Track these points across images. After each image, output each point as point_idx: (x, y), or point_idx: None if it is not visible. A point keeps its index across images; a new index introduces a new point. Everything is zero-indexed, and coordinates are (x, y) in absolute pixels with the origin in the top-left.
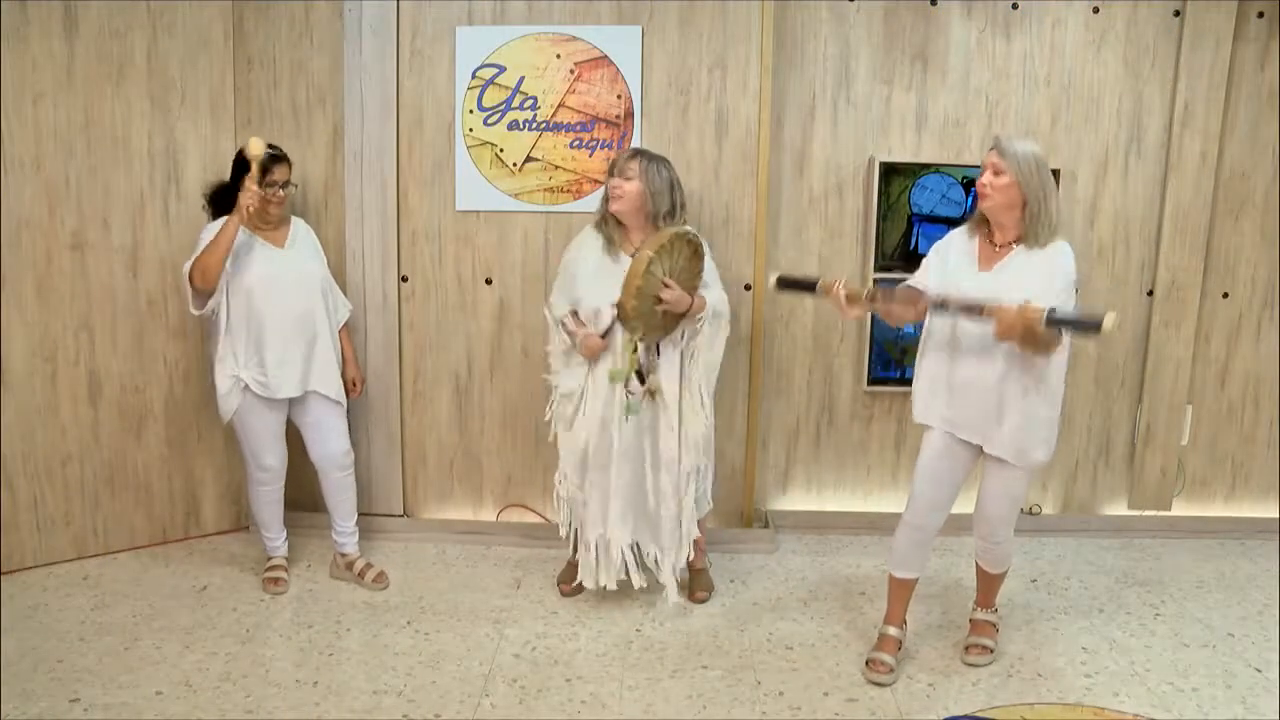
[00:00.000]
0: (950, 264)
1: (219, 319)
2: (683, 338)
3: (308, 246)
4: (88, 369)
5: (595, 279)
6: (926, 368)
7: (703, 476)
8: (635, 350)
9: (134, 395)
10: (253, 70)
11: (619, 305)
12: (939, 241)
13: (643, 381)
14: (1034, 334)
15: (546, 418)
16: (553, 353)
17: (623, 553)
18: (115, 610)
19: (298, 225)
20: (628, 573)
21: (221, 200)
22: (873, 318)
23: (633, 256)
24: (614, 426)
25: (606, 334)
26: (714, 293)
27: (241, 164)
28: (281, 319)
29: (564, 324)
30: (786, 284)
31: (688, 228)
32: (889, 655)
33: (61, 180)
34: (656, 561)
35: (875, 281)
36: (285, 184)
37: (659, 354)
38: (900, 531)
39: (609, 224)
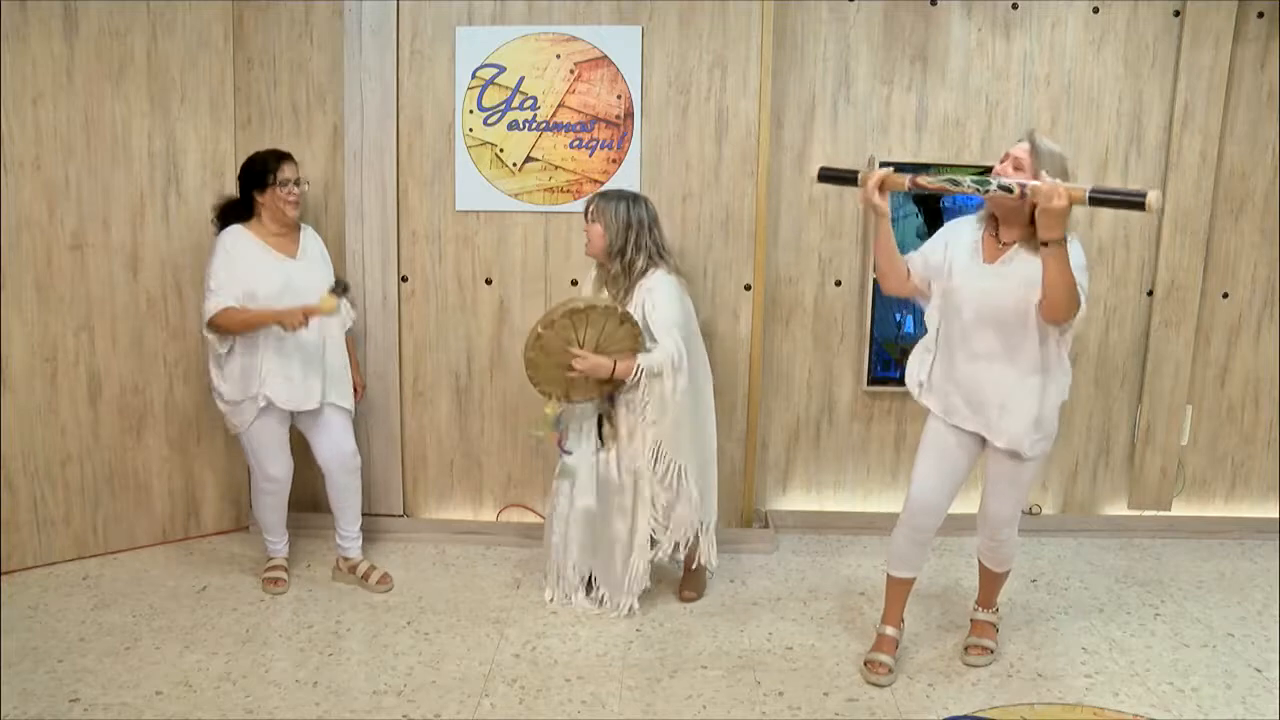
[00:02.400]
0: (955, 253)
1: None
2: (640, 397)
3: (317, 256)
4: (88, 369)
5: None
6: (939, 362)
7: (692, 508)
8: (553, 411)
9: (134, 395)
10: (253, 70)
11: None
12: (950, 225)
13: (565, 443)
14: (1064, 215)
15: None
16: None
17: (579, 579)
18: (115, 610)
19: (306, 234)
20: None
21: (229, 215)
22: (873, 317)
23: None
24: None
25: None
26: (655, 354)
27: (253, 173)
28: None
29: None
30: (828, 176)
31: (602, 299)
32: (887, 656)
33: (61, 180)
34: (603, 599)
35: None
36: (298, 181)
37: (612, 404)
38: (898, 531)
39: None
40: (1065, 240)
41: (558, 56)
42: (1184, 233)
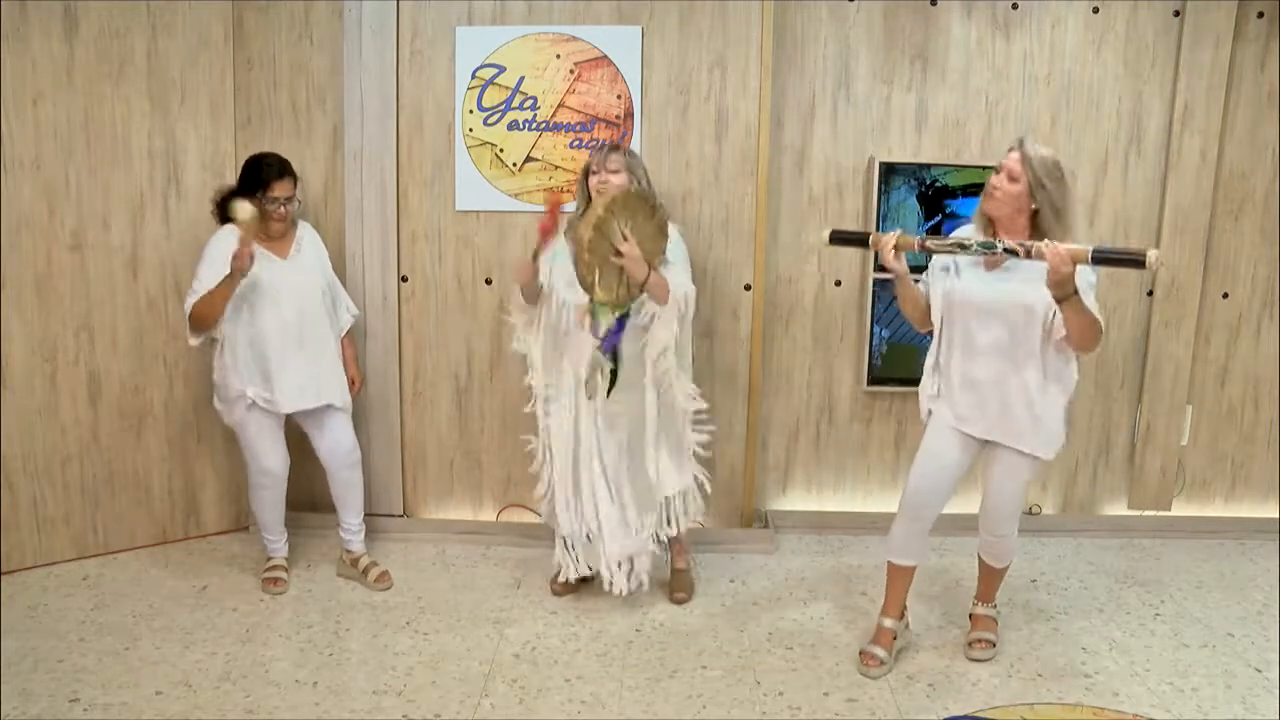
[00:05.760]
0: (956, 262)
1: (219, 333)
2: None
3: (312, 254)
4: (88, 369)
5: (566, 279)
6: (944, 369)
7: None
8: (595, 305)
9: (134, 395)
10: (253, 70)
11: (576, 238)
12: (953, 234)
13: (614, 377)
14: (1072, 279)
15: (529, 408)
16: (514, 318)
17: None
18: (115, 610)
19: (303, 232)
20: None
21: (227, 208)
22: (873, 316)
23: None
24: (584, 421)
25: (535, 256)
26: (676, 278)
27: (249, 176)
28: (282, 332)
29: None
30: (839, 238)
31: (654, 198)
32: (883, 649)
33: (61, 180)
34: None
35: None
36: (288, 200)
37: (619, 330)
38: (898, 521)
39: None
40: (1077, 291)
41: (558, 56)
42: (1184, 233)
